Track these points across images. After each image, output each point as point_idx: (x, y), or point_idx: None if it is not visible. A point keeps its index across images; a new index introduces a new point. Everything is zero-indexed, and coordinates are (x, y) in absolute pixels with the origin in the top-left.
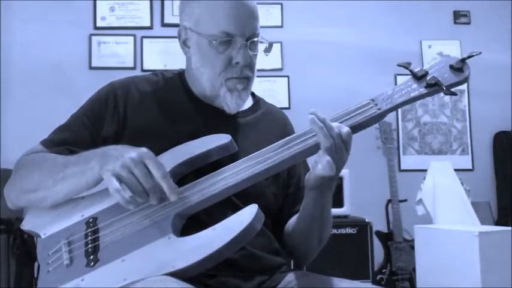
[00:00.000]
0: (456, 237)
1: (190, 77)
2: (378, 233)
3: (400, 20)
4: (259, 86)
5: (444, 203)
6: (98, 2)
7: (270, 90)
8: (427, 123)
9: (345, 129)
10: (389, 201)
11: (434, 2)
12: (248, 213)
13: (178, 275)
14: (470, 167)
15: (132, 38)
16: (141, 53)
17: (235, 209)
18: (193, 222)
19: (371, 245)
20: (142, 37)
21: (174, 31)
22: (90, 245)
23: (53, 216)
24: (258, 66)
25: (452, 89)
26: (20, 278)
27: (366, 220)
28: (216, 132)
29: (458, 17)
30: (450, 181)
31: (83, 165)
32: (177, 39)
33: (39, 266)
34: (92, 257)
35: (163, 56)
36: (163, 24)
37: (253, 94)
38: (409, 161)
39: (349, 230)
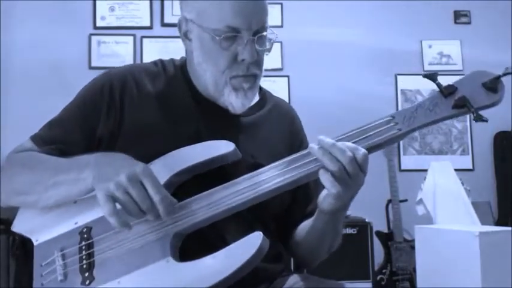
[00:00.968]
0: (456, 238)
1: (193, 71)
2: (378, 233)
3: (400, 19)
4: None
5: (444, 203)
6: (97, 1)
7: (270, 90)
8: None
9: (361, 151)
10: (389, 201)
11: (434, 2)
12: (252, 244)
13: None
14: (471, 167)
15: (131, 37)
16: (140, 53)
17: (239, 219)
18: (194, 232)
19: (371, 245)
20: (142, 37)
21: (174, 31)
22: (85, 261)
23: (45, 220)
24: None
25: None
26: (20, 278)
27: (366, 220)
28: (218, 133)
29: (459, 16)
30: (450, 181)
31: (74, 174)
32: (177, 39)
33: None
34: (87, 274)
35: (163, 55)
36: (163, 24)
37: (259, 87)
38: (409, 161)
39: (349, 230)
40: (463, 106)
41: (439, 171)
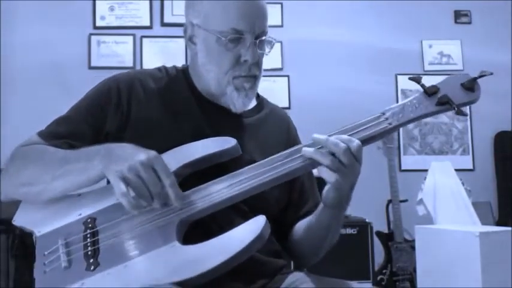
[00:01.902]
0: (457, 238)
1: (196, 74)
2: (379, 233)
3: (400, 19)
4: (259, 86)
5: (445, 203)
6: (97, 1)
7: (270, 90)
8: (427, 123)
9: (355, 142)
10: (389, 201)
11: (435, 2)
12: (256, 226)
13: (182, 284)
14: (471, 167)
15: (131, 37)
16: (140, 53)
17: (239, 212)
18: (197, 224)
19: (371, 245)
20: (142, 37)
21: (173, 31)
22: (90, 248)
23: (48, 213)
24: None
25: (463, 108)
26: (19, 279)
27: (367, 220)
28: (220, 132)
29: (459, 16)
30: (451, 181)
31: (84, 162)
32: (176, 39)
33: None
34: (92, 260)
35: (162, 55)
36: (163, 24)
37: (257, 94)
38: (409, 161)
39: (349, 231)
40: (445, 103)
41: (440, 171)
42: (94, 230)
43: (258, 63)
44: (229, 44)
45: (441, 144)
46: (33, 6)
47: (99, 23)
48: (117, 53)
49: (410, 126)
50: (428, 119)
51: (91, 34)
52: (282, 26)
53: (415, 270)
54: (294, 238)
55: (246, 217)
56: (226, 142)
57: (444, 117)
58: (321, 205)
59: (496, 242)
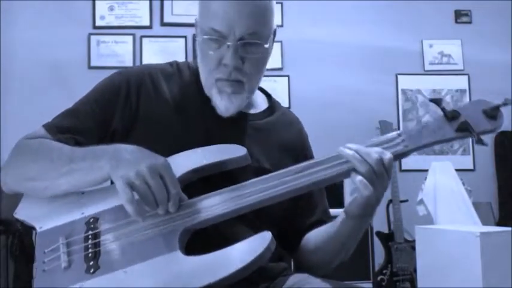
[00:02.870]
0: (457, 238)
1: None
2: (379, 234)
3: (401, 19)
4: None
5: (445, 204)
6: (97, 1)
7: (270, 90)
8: (428, 123)
9: (387, 155)
10: (390, 201)
11: (435, 2)
12: (261, 242)
13: None
14: (472, 167)
15: (131, 37)
16: (140, 53)
17: (244, 218)
18: (200, 232)
19: (372, 245)
20: (142, 36)
21: (173, 30)
22: (90, 250)
23: (50, 209)
24: None
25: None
26: (19, 279)
27: None
28: (227, 136)
29: (460, 16)
30: (451, 181)
31: (90, 161)
32: (176, 39)
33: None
34: (92, 262)
35: (162, 55)
36: (163, 24)
37: (269, 96)
38: (410, 161)
39: None
40: (465, 130)
41: (440, 172)
42: (96, 231)
43: (241, 68)
44: (212, 44)
45: (441, 144)
46: (32, 6)
47: (98, 23)
48: (116, 53)
49: (411, 126)
50: (429, 119)
51: (91, 34)
52: (282, 25)
53: (415, 271)
54: (306, 248)
55: (250, 224)
56: (236, 151)
57: None
58: (342, 216)
59: (497, 242)
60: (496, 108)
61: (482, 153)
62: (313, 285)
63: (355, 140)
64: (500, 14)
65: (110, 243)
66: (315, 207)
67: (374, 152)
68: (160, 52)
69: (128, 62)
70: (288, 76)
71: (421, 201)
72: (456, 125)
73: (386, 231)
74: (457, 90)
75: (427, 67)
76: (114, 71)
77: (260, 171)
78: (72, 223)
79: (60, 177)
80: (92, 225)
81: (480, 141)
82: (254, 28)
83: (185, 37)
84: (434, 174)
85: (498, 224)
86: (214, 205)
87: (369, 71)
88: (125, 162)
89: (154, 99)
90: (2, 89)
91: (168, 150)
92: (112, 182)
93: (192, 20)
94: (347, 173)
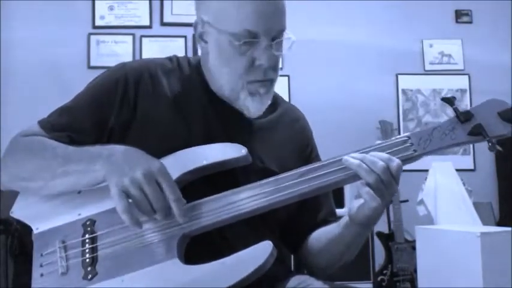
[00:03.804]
0: (458, 238)
1: (208, 72)
2: (379, 234)
3: (401, 19)
4: None
5: (446, 204)
6: (96, 1)
7: None
8: (428, 123)
9: (395, 162)
10: (390, 201)
11: (435, 1)
12: (262, 253)
13: None
14: (472, 168)
15: (131, 37)
16: (140, 52)
17: (245, 223)
18: (199, 234)
19: (372, 245)
20: (142, 36)
21: (173, 30)
22: (88, 255)
23: (47, 208)
24: None
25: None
26: (18, 279)
27: None
28: (229, 135)
29: (460, 16)
30: (452, 181)
31: (85, 164)
32: (176, 39)
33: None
34: (89, 268)
35: (162, 55)
36: (163, 24)
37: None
38: None
39: None
40: (478, 134)
41: (440, 172)
42: (93, 235)
43: (274, 66)
44: (243, 47)
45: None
46: (32, 6)
47: (98, 23)
48: (116, 53)
49: (411, 126)
50: (429, 119)
51: (90, 33)
52: None
53: (415, 271)
54: (311, 249)
55: (253, 224)
56: (236, 150)
57: (445, 117)
58: (346, 219)
59: (497, 242)
60: None
61: (482, 153)
62: (313, 286)
63: (355, 139)
64: (501, 14)
65: (108, 248)
66: (321, 207)
67: (380, 160)
68: (160, 52)
69: None
70: (288, 76)
71: (422, 201)
72: (469, 127)
73: (386, 231)
74: (457, 90)
75: (428, 67)
76: None
77: (263, 171)
78: (68, 225)
79: (55, 179)
80: (89, 228)
81: (493, 147)
82: (283, 25)
83: (185, 37)
84: (435, 174)
85: (498, 224)
86: (213, 210)
87: (369, 71)
88: (119, 166)
89: (153, 97)
90: (1, 88)
91: (167, 149)
92: None
93: (191, 20)
94: (353, 178)
